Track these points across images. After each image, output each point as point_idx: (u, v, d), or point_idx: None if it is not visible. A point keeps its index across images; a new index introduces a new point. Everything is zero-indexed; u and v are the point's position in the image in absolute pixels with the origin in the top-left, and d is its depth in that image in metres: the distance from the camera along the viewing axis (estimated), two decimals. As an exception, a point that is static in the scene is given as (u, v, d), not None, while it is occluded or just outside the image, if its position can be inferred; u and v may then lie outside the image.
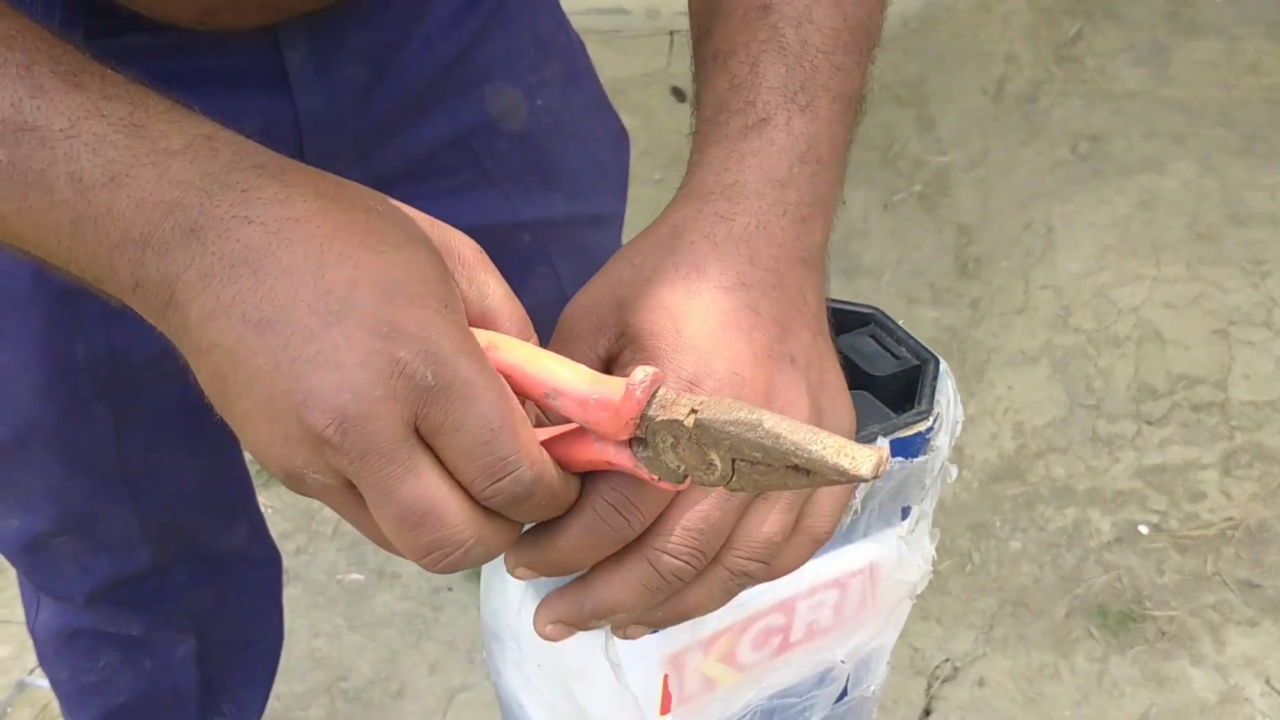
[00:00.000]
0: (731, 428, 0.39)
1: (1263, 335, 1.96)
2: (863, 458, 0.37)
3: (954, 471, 0.57)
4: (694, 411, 0.40)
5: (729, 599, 0.48)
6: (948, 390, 0.53)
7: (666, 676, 0.54)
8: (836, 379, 0.49)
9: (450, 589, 1.75)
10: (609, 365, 0.49)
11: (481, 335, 0.44)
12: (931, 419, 0.52)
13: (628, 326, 0.47)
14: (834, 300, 0.54)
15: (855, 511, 0.53)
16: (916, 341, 0.54)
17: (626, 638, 0.49)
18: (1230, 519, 1.84)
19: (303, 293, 0.40)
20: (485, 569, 0.56)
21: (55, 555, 0.93)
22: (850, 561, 0.56)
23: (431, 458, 0.40)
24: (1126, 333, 1.98)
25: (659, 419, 0.40)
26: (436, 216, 0.87)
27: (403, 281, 0.41)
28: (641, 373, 0.40)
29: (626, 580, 0.45)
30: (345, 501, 0.42)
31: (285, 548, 1.49)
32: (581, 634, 0.51)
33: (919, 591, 0.60)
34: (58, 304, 0.78)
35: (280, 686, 1.63)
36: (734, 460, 0.39)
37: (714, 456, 0.39)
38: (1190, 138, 2.26)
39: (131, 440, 0.87)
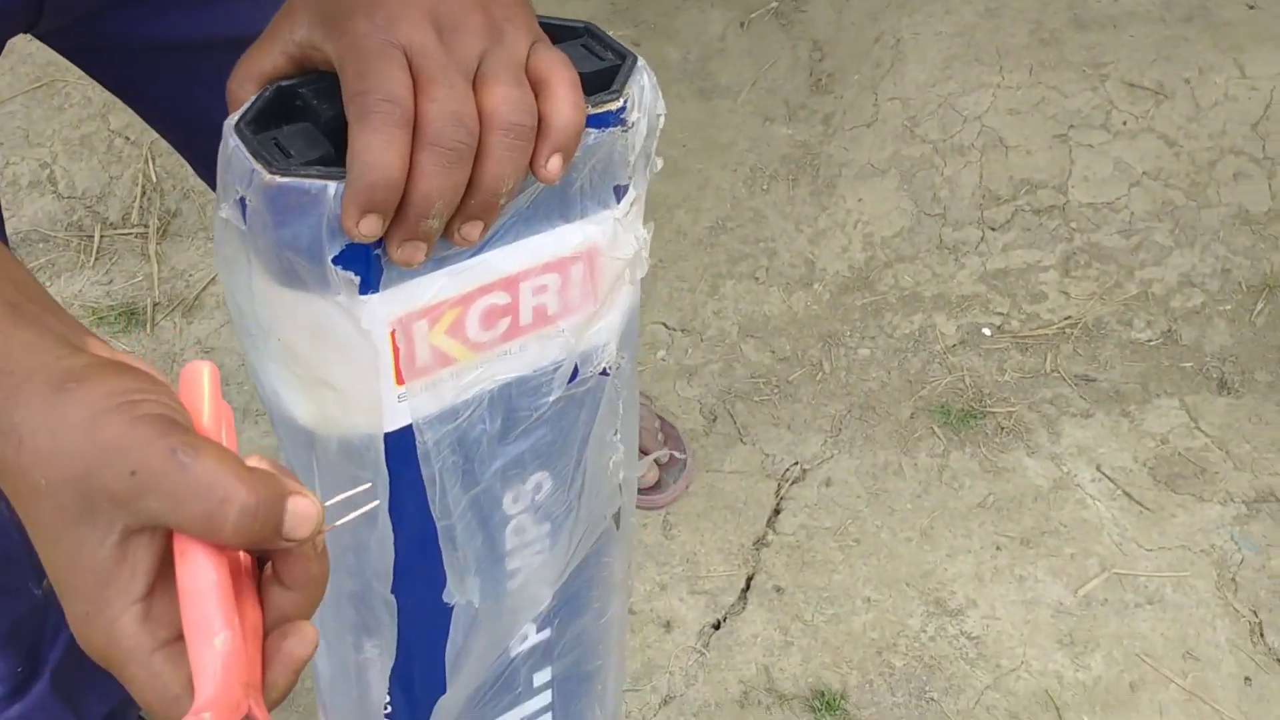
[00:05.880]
0: None
1: (1101, 138, 2.00)
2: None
3: (659, 163, 0.63)
4: None
5: (520, 162, 0.52)
6: (643, 81, 0.59)
7: (395, 341, 0.58)
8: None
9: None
10: (306, 57, 0.54)
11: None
12: (622, 99, 0.58)
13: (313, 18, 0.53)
14: (544, 16, 0.59)
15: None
16: (624, 48, 0.60)
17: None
18: (1069, 317, 1.91)
19: None
20: (220, 272, 0.59)
21: None
22: (568, 241, 0.61)
23: None
24: (971, 141, 2.02)
25: None
26: (187, 28, 0.84)
27: None
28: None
29: (425, 170, 0.49)
30: None
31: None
32: (310, 296, 0.55)
33: (639, 276, 0.67)
34: None
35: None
36: None
37: None
38: (1038, -56, 2.26)
39: None
